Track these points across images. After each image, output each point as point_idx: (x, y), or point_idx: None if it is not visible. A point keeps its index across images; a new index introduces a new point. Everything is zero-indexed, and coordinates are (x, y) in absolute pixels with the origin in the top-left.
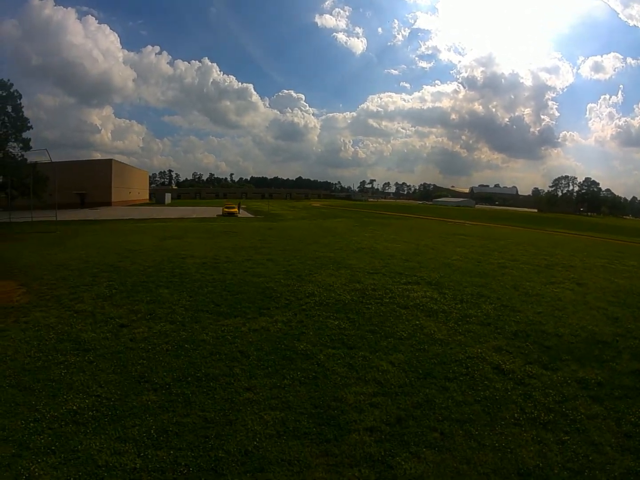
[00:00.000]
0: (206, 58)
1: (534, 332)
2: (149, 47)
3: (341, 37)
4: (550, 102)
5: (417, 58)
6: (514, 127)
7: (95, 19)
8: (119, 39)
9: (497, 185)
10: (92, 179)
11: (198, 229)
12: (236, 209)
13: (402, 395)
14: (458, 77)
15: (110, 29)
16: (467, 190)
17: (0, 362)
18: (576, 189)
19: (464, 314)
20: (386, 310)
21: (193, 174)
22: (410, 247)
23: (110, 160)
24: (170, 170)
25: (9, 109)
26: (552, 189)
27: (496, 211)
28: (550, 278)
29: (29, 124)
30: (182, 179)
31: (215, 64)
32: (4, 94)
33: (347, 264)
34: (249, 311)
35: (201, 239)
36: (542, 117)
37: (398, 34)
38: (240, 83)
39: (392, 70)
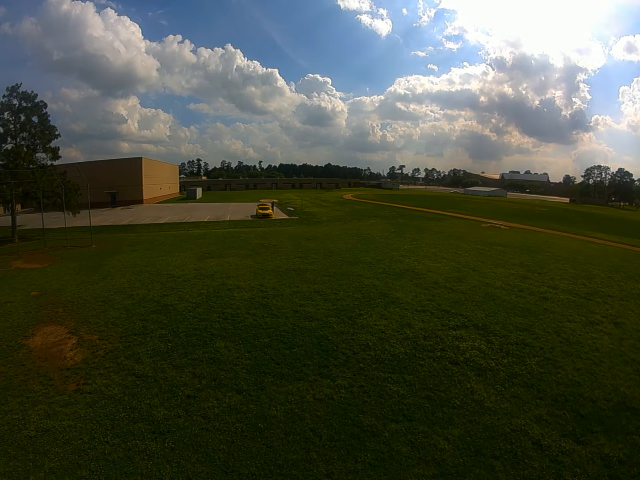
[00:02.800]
0: (229, 44)
1: (572, 397)
2: (171, 36)
3: (365, 19)
4: (581, 85)
5: (443, 39)
6: (545, 110)
7: (114, 11)
8: (140, 30)
9: (527, 172)
10: (123, 178)
11: (235, 241)
12: (270, 210)
13: (456, 476)
14: (486, 58)
15: (131, 20)
16: (497, 177)
17: (80, 451)
18: (608, 178)
19: (510, 372)
20: (439, 368)
21: (222, 162)
22: (451, 268)
23: (140, 158)
24: (198, 160)
25: (35, 119)
26: (585, 178)
27: (529, 204)
28: (590, 315)
29: (56, 132)
30: (210, 167)
31: (238, 50)
32: (29, 105)
33: (394, 298)
34: (309, 372)
35: (242, 258)
36: (573, 99)
37: (423, 14)
38: (265, 68)
39: (419, 52)
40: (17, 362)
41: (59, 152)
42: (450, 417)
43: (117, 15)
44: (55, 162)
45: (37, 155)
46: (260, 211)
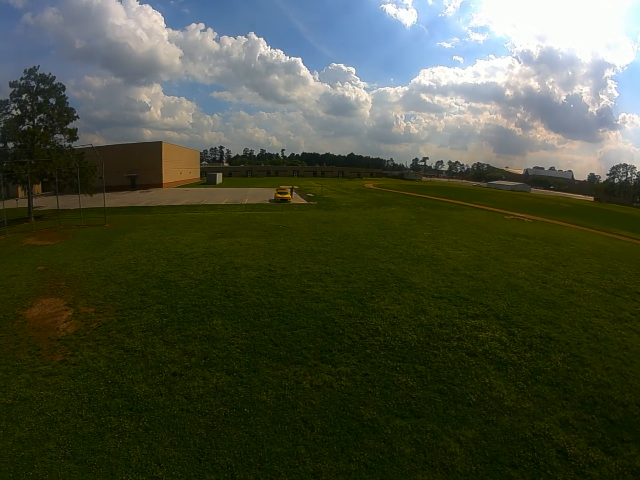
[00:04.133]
0: (252, 33)
1: (601, 399)
2: (193, 25)
3: (390, 8)
4: (609, 81)
5: (469, 30)
6: (571, 106)
7: (136, 0)
8: (162, 18)
9: (552, 168)
10: (143, 161)
11: (250, 223)
12: (289, 194)
13: None
14: (513, 51)
15: (153, 8)
16: (521, 172)
17: (52, 423)
18: (634, 177)
19: (533, 367)
20: (454, 359)
21: (244, 150)
22: (472, 256)
23: (161, 142)
24: (221, 147)
25: (53, 101)
26: (610, 177)
27: (554, 200)
28: (618, 312)
29: (75, 114)
30: (233, 154)
31: (262, 39)
32: (47, 87)
33: (409, 283)
34: (310, 355)
35: (254, 238)
36: (600, 96)
37: (449, 4)
38: (288, 57)
39: (445, 43)
40: (10, 331)
41: (77, 133)
42: (464, 416)
43: (139, 3)
44: (74, 145)
45: (55, 136)
46: (279, 195)
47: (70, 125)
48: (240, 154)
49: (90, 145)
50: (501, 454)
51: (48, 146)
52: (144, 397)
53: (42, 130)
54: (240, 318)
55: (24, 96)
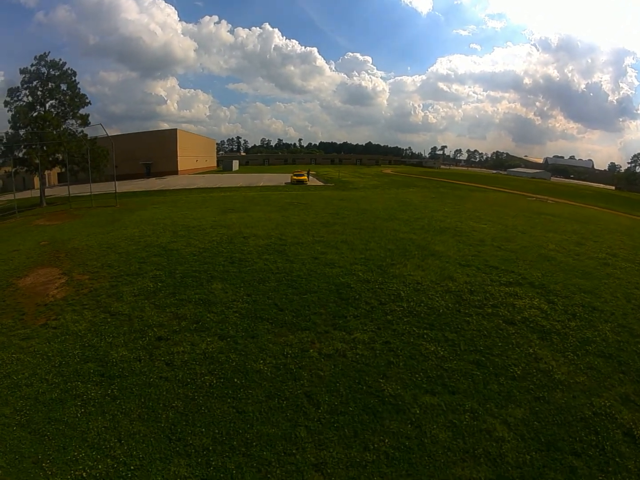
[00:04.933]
0: (267, 24)
1: None
2: (207, 17)
3: None
4: (629, 69)
5: (486, 17)
6: (591, 94)
7: None
8: (175, 12)
9: (572, 157)
10: (158, 149)
11: (264, 200)
12: (305, 177)
13: None
14: (531, 38)
15: (165, 2)
16: (540, 161)
17: (15, 387)
18: None
19: (581, 337)
20: (490, 328)
21: (261, 140)
22: (498, 229)
23: (176, 129)
24: (238, 137)
25: (64, 87)
26: (631, 165)
27: (574, 187)
28: None
29: (87, 100)
30: (250, 145)
31: (276, 29)
32: (57, 73)
33: (433, 251)
34: (320, 321)
35: (266, 213)
36: (620, 84)
37: None
38: (303, 47)
39: (461, 31)
40: None
41: (89, 118)
42: (509, 392)
43: None
44: (86, 130)
45: (67, 122)
46: (295, 177)
47: (82, 111)
48: (257, 144)
49: (99, 124)
50: (559, 438)
51: (58, 130)
52: (120, 362)
53: (53, 115)
54: (243, 283)
55: (34, 83)
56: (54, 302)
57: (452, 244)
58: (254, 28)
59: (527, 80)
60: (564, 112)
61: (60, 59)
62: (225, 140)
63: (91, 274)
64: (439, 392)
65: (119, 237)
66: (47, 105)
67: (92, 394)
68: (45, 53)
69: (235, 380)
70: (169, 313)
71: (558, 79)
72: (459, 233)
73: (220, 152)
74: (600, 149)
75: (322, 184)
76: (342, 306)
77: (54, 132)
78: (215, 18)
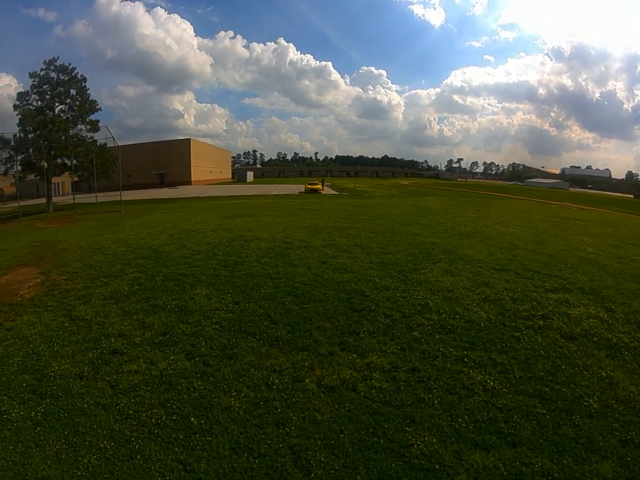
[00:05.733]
0: (282, 39)
1: None
2: (222, 33)
3: (417, 9)
4: None
5: (498, 28)
6: (606, 102)
7: (164, 10)
8: (191, 27)
9: (589, 167)
10: (172, 159)
11: (275, 206)
12: (320, 185)
13: None
14: (543, 47)
15: (181, 17)
16: (557, 172)
17: None
18: None
19: None
20: (547, 345)
21: (277, 154)
22: (529, 233)
23: (189, 139)
24: (254, 151)
25: (73, 92)
26: None
27: (594, 196)
28: None
29: (97, 106)
30: (266, 159)
31: (291, 44)
32: (67, 78)
33: (461, 255)
34: (324, 338)
35: (275, 217)
36: (635, 92)
37: (476, 2)
38: (318, 62)
39: (474, 42)
40: None
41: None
42: (588, 437)
43: (167, 13)
44: (96, 137)
45: (77, 127)
46: (309, 186)
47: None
48: (273, 158)
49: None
50: None
51: (66, 133)
52: (58, 377)
53: (63, 119)
54: (233, 288)
55: (44, 87)
56: (20, 301)
57: (481, 247)
58: (268, 43)
59: (541, 91)
60: (579, 122)
61: (69, 64)
62: (242, 154)
63: (69, 275)
64: (494, 445)
65: (112, 239)
66: (57, 109)
67: (14, 415)
68: (54, 58)
69: (193, 419)
70: (134, 321)
71: (572, 88)
72: (487, 237)
73: (236, 165)
74: (617, 158)
75: (337, 193)
76: (353, 319)
77: (62, 136)
78: (231, 33)
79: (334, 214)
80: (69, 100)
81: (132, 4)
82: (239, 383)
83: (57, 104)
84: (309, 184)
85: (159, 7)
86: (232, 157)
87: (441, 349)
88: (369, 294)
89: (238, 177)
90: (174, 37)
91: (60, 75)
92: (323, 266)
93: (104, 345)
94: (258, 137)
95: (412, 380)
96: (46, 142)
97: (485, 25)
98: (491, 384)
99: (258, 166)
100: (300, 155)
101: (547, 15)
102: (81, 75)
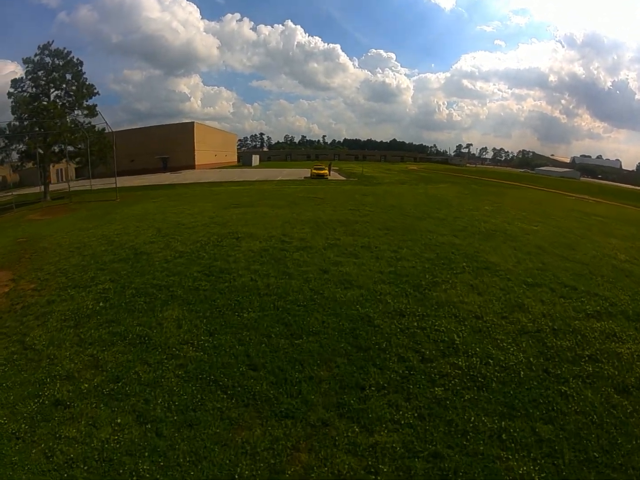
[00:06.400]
0: (289, 21)
1: None
2: (229, 15)
3: None
4: None
5: (510, 13)
6: (617, 92)
7: None
8: (197, 10)
9: (599, 157)
10: (175, 143)
11: (277, 194)
12: (326, 170)
13: None
14: (555, 34)
15: (187, 0)
16: (567, 160)
17: None
18: None
19: None
20: (599, 404)
21: (285, 137)
22: (553, 232)
23: (192, 122)
24: (261, 134)
25: (69, 77)
26: None
27: (605, 186)
28: None
29: (95, 90)
30: (274, 142)
31: (299, 26)
32: (62, 62)
33: (486, 262)
34: (317, 397)
35: (275, 208)
36: None
37: None
38: (326, 44)
39: (485, 27)
40: None
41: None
42: None
43: None
44: (94, 122)
45: (75, 112)
46: (315, 171)
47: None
48: (281, 141)
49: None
50: None
51: (61, 120)
52: None
53: (59, 106)
54: (211, 310)
55: (39, 73)
56: None
57: (507, 251)
58: (276, 25)
59: (552, 78)
60: (590, 110)
61: (64, 48)
62: (249, 137)
63: (39, 282)
64: None
65: (95, 235)
66: (52, 95)
67: None
68: (49, 42)
69: None
70: (87, 357)
71: (584, 76)
72: (511, 237)
73: (243, 148)
74: (627, 149)
75: (344, 178)
76: (358, 364)
77: (57, 123)
78: (238, 15)
79: (339, 204)
80: (64, 85)
81: None
82: (196, 471)
83: (52, 90)
84: (315, 168)
85: None
86: (240, 140)
87: (472, 419)
88: (379, 322)
89: (243, 160)
90: (180, 20)
91: (55, 59)
92: (324, 277)
93: (48, 393)
94: (266, 120)
95: (432, 475)
96: (41, 130)
97: (496, 9)
98: (546, 469)
99: (265, 149)
100: (308, 138)
101: (559, 2)
102: (77, 59)
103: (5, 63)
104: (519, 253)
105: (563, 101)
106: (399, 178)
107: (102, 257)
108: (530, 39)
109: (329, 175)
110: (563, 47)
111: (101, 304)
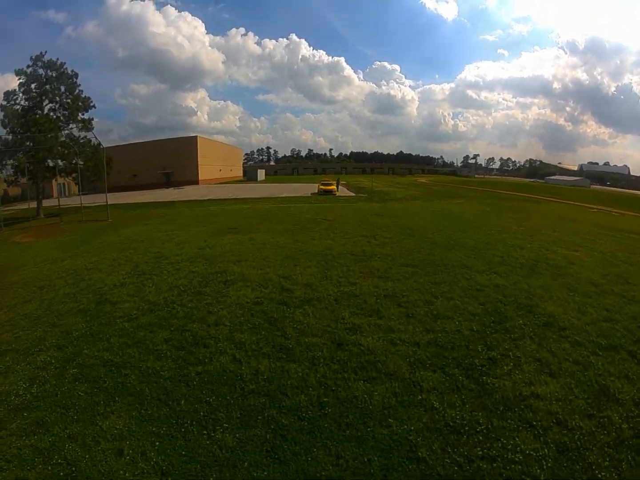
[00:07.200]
0: (293, 35)
1: None
2: (234, 30)
3: (429, 2)
4: None
5: (512, 21)
6: (622, 97)
7: (174, 8)
8: (202, 25)
9: (606, 164)
10: (178, 157)
11: (280, 215)
12: (334, 186)
13: None
14: (558, 41)
15: (192, 15)
16: (575, 168)
17: None
18: None
19: None
20: None
21: (291, 150)
22: (597, 259)
23: (196, 137)
24: (268, 148)
25: (62, 88)
26: None
27: (617, 194)
28: None
29: (91, 103)
30: (280, 155)
31: (303, 40)
32: (55, 74)
33: (545, 316)
34: None
35: (276, 235)
36: None
37: None
38: (330, 57)
39: (488, 36)
40: None
41: (93, 122)
42: None
43: (178, 11)
44: (90, 136)
45: (70, 126)
46: (322, 187)
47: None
48: (287, 154)
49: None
50: None
51: (51, 135)
52: None
53: (53, 119)
54: (170, 420)
55: (33, 85)
56: None
57: (561, 294)
58: (280, 39)
59: (556, 85)
60: (595, 116)
61: (57, 59)
62: (256, 151)
63: None
64: None
65: (65, 270)
66: (46, 108)
67: None
68: (41, 53)
69: None
70: None
71: (587, 82)
72: (558, 270)
73: (250, 162)
74: (633, 154)
75: (353, 194)
76: None
77: (49, 137)
78: (242, 30)
79: (351, 228)
80: (58, 97)
81: (142, 3)
82: None
83: (46, 102)
84: (323, 184)
85: (169, 6)
86: (247, 154)
87: None
88: (425, 453)
89: (248, 175)
90: (185, 35)
91: (49, 71)
92: (337, 357)
93: None
94: (272, 134)
95: None
96: (31, 144)
97: (498, 18)
98: None
99: (272, 163)
100: (314, 151)
101: (560, 8)
102: (72, 71)
103: (13, 78)
104: (575, 296)
105: (568, 108)
106: (410, 193)
107: (61, 304)
108: (533, 47)
109: (337, 191)
110: (566, 53)
111: (33, 391)
